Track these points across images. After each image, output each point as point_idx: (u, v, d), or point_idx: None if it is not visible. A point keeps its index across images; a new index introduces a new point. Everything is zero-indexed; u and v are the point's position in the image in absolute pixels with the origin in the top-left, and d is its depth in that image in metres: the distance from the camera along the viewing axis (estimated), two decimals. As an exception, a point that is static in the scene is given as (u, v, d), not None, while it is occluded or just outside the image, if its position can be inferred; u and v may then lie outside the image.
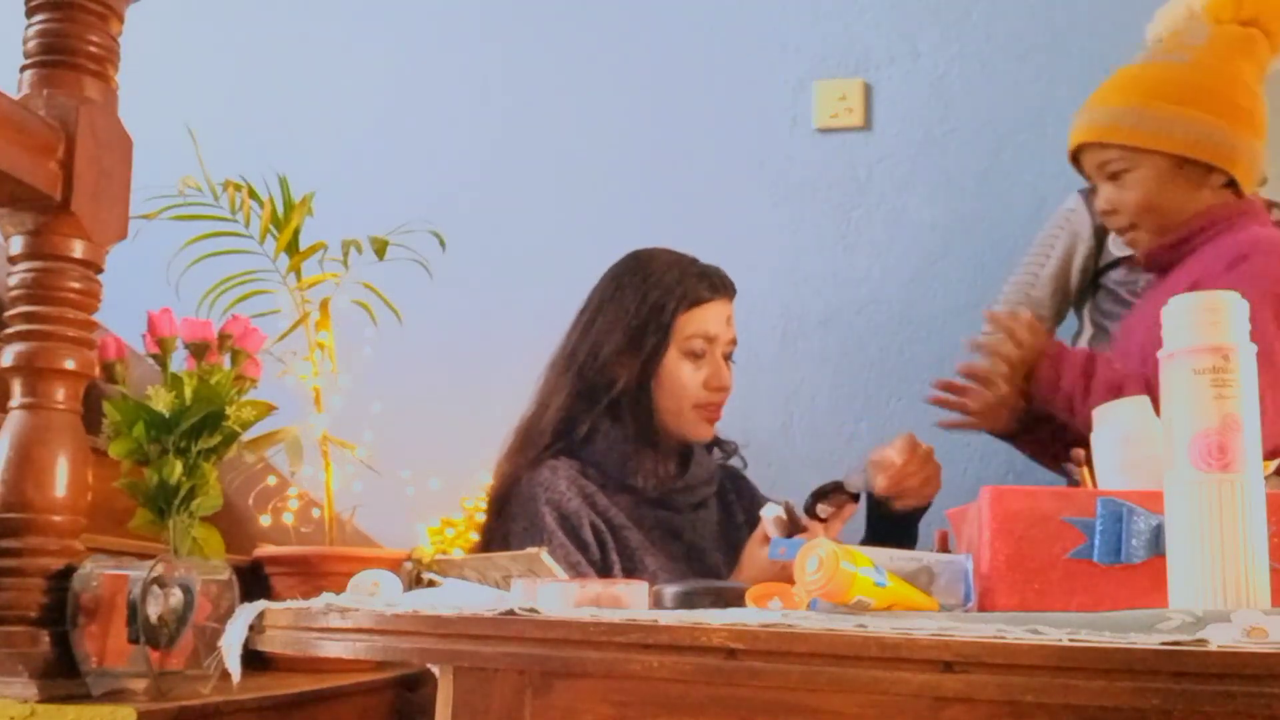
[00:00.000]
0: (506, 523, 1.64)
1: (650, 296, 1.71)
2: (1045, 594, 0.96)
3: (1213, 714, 0.69)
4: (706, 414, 1.74)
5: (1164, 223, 1.60)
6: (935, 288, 2.22)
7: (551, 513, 1.61)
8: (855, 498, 1.59)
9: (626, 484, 1.69)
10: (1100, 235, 1.96)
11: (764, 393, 2.22)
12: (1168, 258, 1.63)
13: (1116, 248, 1.93)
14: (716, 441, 1.87)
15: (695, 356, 1.71)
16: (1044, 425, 1.63)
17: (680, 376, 1.70)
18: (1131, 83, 1.61)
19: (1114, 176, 1.61)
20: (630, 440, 1.70)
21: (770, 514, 1.57)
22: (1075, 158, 1.68)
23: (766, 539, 1.56)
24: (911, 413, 2.05)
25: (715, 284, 1.74)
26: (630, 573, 1.62)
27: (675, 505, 1.74)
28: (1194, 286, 1.51)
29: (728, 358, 1.76)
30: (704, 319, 1.72)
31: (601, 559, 1.62)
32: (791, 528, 1.55)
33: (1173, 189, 1.58)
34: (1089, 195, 2.01)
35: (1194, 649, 0.69)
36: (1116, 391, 1.44)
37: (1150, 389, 1.41)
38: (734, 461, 1.90)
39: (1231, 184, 1.60)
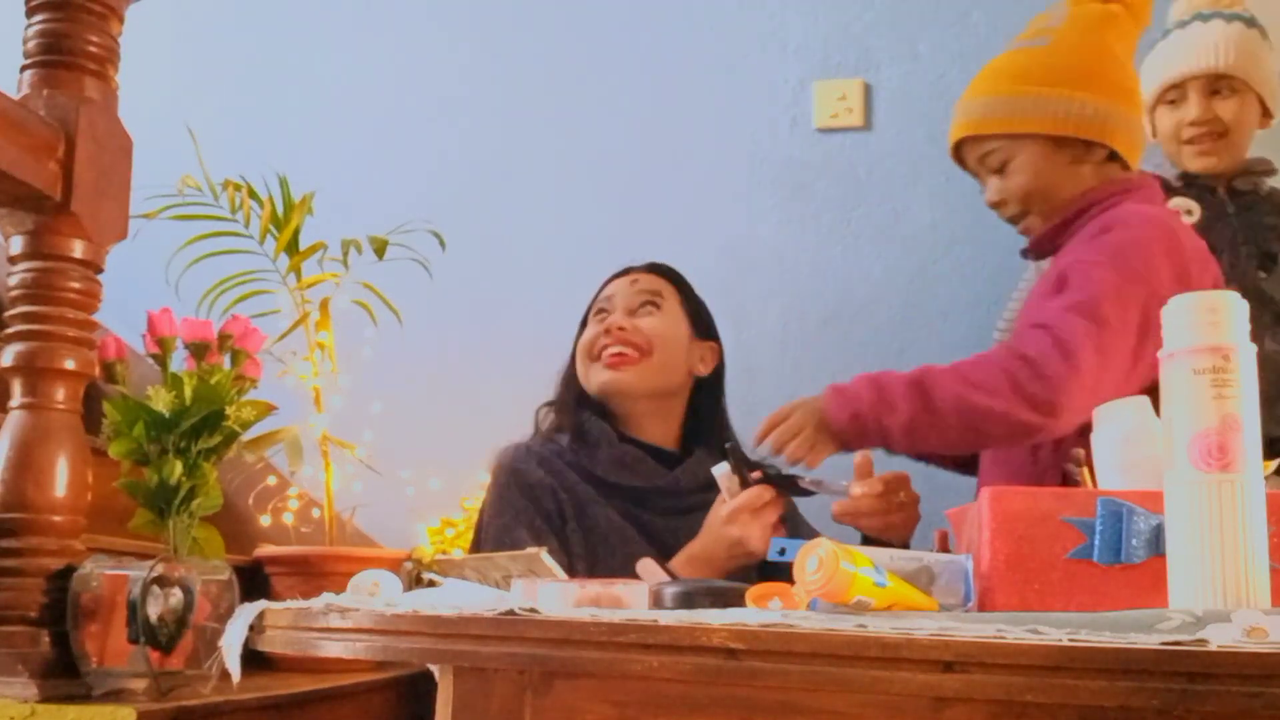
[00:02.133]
0: (485, 494, 1.66)
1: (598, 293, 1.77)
2: (1045, 594, 0.96)
3: (1213, 714, 0.69)
4: (604, 359, 1.70)
5: (1051, 205, 1.59)
6: (935, 288, 2.22)
7: (515, 481, 1.62)
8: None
9: (594, 473, 1.68)
10: None
11: (764, 393, 2.21)
12: (1050, 244, 1.61)
13: None
14: (753, 464, 1.81)
15: (599, 316, 1.74)
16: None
17: (584, 339, 1.73)
18: (998, 72, 1.61)
19: (998, 169, 1.60)
20: (606, 434, 1.70)
21: (721, 472, 1.55)
22: (958, 155, 1.67)
23: (724, 500, 1.54)
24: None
25: (629, 268, 1.78)
26: (593, 547, 1.60)
27: (653, 506, 1.69)
28: (1066, 269, 1.50)
29: (632, 311, 1.73)
30: (607, 290, 1.76)
31: (562, 527, 1.61)
32: (739, 474, 1.52)
33: (1055, 170, 1.57)
34: None
35: (1194, 649, 0.69)
36: (919, 387, 1.41)
37: (954, 369, 1.42)
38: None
39: (1115, 158, 1.58)
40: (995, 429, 1.40)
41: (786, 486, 1.54)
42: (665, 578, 1.40)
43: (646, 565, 1.45)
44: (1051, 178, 1.58)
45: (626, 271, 1.79)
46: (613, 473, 1.67)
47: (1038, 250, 1.65)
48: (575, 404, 1.73)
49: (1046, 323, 1.39)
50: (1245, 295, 0.92)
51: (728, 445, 1.58)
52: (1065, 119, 1.55)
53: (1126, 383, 1.35)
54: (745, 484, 1.52)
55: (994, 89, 1.59)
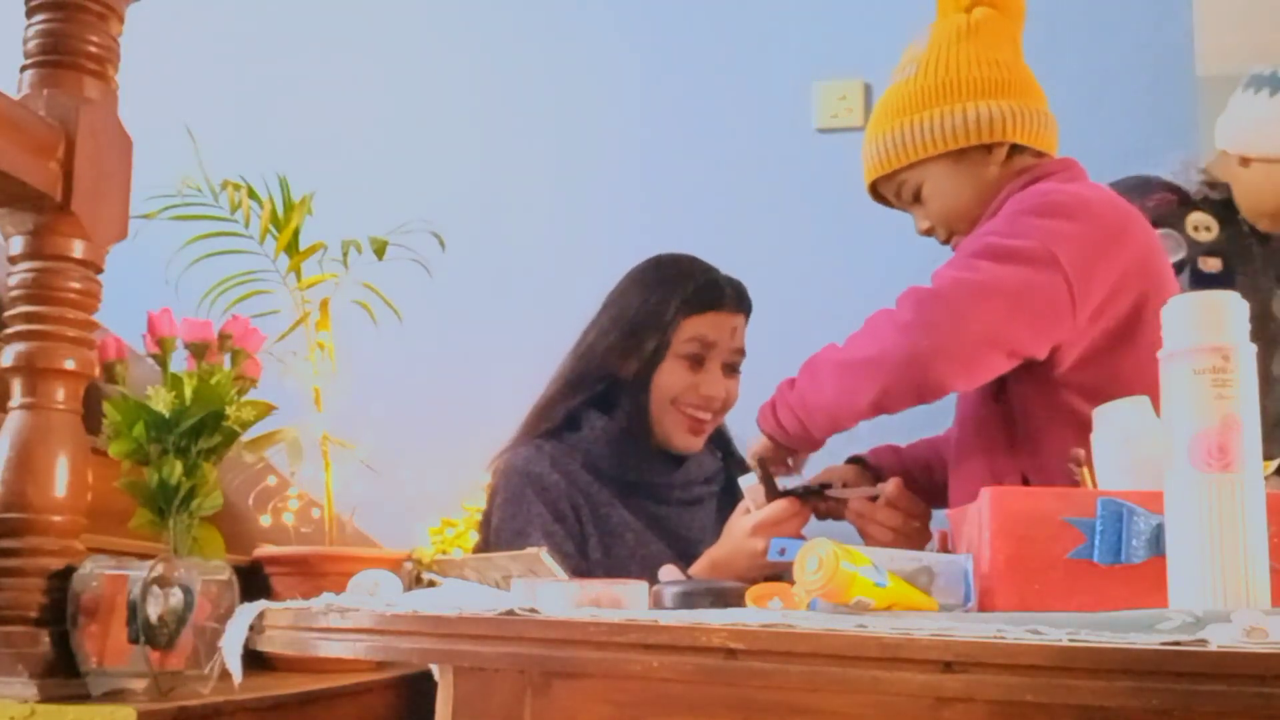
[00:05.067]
0: (493, 498, 1.67)
1: (653, 298, 1.71)
2: (1045, 594, 0.96)
3: (1213, 714, 0.69)
4: (689, 423, 1.71)
5: (973, 219, 1.58)
6: (935, 288, 2.22)
7: (531, 484, 1.64)
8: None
9: (608, 472, 1.70)
10: None
11: (764, 393, 2.21)
12: None
13: None
14: (736, 456, 1.85)
15: (691, 361, 1.70)
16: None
17: (669, 378, 1.70)
18: (880, 111, 1.63)
19: (915, 199, 1.61)
20: (618, 433, 1.70)
21: (748, 483, 1.56)
22: (879, 198, 1.69)
23: (747, 510, 1.55)
24: (912, 413, 2.04)
25: (725, 294, 1.73)
26: (610, 548, 1.63)
27: (664, 499, 1.74)
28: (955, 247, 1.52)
29: (731, 369, 1.75)
30: (704, 325, 1.70)
31: (580, 530, 1.63)
32: (766, 487, 1.54)
33: (963, 183, 1.57)
34: None
35: (1194, 649, 0.69)
36: (806, 366, 1.47)
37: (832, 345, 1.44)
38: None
39: (1021, 150, 1.57)
40: (877, 378, 1.39)
41: (814, 498, 1.54)
42: None
43: (668, 572, 1.46)
44: (963, 191, 1.57)
45: (726, 304, 1.73)
46: (627, 472, 1.70)
47: None
48: (590, 400, 1.72)
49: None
50: (1260, 316, 0.92)
51: (756, 458, 1.58)
52: (951, 132, 1.55)
53: (1008, 328, 1.34)
54: (771, 496, 1.53)
55: (882, 128, 1.60)
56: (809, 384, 1.46)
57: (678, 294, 1.70)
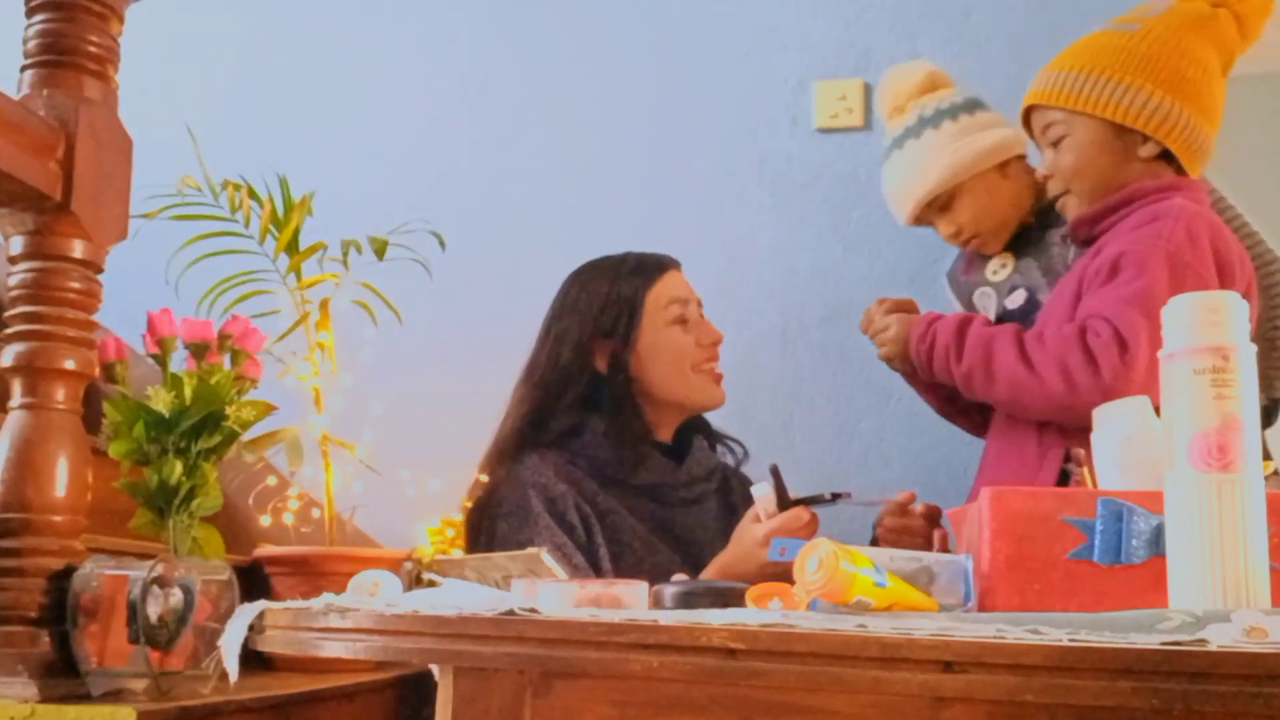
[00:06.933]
0: (494, 509, 1.66)
1: (613, 290, 1.75)
2: (1045, 594, 0.96)
3: (1213, 714, 0.69)
4: (712, 376, 1.76)
5: (1092, 189, 1.59)
6: (935, 287, 2.22)
7: (537, 495, 1.63)
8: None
9: (614, 477, 1.70)
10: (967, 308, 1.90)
11: (764, 392, 2.21)
12: (1088, 230, 1.61)
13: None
14: (721, 438, 1.87)
15: (681, 322, 1.74)
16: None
17: (675, 346, 1.73)
18: (1080, 48, 1.60)
19: (1055, 142, 1.61)
20: (616, 435, 1.70)
21: (761, 492, 1.57)
22: (1027, 122, 1.68)
23: (758, 518, 1.57)
24: (912, 412, 2.05)
25: (660, 261, 1.79)
26: (618, 557, 1.63)
27: (668, 500, 1.74)
28: (1119, 257, 1.51)
29: (702, 314, 1.81)
30: (669, 288, 1.76)
31: (588, 541, 1.63)
32: (779, 496, 1.55)
33: (1105, 156, 1.57)
34: (951, 279, 1.98)
35: (1194, 649, 0.69)
36: (986, 347, 1.50)
37: (1020, 339, 1.48)
38: (735, 453, 1.90)
39: (1167, 156, 1.57)
40: (1047, 410, 1.47)
41: (824, 506, 1.56)
42: None
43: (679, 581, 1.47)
44: (1101, 164, 1.57)
45: (666, 265, 1.79)
46: (630, 473, 1.71)
47: (1077, 236, 1.65)
48: (578, 408, 1.73)
49: (1108, 315, 1.41)
50: None
51: (770, 466, 1.60)
52: (1128, 108, 1.54)
53: None
54: (784, 505, 1.54)
55: (1070, 63, 1.58)
56: (984, 387, 1.53)
57: (630, 277, 1.76)
